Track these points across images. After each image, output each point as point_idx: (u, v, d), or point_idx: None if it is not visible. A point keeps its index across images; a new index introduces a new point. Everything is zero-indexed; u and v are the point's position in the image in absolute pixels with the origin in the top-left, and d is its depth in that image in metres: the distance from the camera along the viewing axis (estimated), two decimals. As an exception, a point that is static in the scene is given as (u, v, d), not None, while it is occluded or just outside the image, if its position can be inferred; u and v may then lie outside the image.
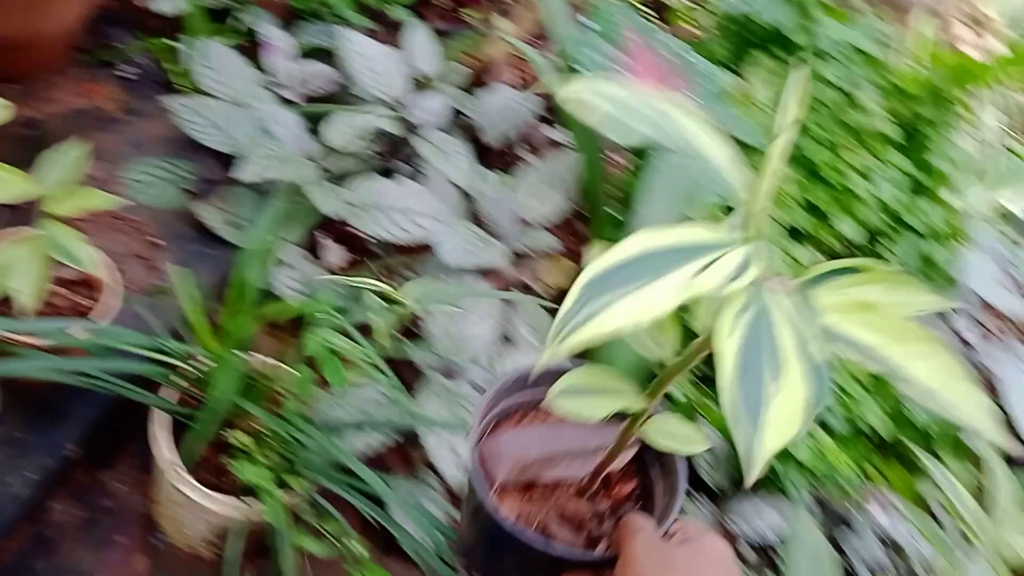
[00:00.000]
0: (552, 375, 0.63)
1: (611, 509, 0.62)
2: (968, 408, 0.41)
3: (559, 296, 1.40)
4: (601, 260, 0.42)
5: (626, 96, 0.52)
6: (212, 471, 0.98)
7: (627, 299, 0.41)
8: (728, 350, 0.41)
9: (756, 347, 0.41)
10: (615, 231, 1.25)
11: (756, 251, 0.44)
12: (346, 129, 1.25)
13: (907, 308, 0.48)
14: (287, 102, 1.31)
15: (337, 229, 1.33)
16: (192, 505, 0.96)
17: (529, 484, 0.63)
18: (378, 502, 1.00)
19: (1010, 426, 1.16)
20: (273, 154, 1.16)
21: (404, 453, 1.10)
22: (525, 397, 0.67)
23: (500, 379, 0.65)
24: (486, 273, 1.24)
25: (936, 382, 0.41)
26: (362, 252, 1.31)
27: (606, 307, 0.41)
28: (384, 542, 1.09)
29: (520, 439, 0.65)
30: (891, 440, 1.02)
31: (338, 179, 1.23)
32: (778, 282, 0.44)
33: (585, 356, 0.52)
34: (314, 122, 1.29)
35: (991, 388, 1.19)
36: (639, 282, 0.41)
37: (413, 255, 1.29)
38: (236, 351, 0.96)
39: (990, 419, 0.41)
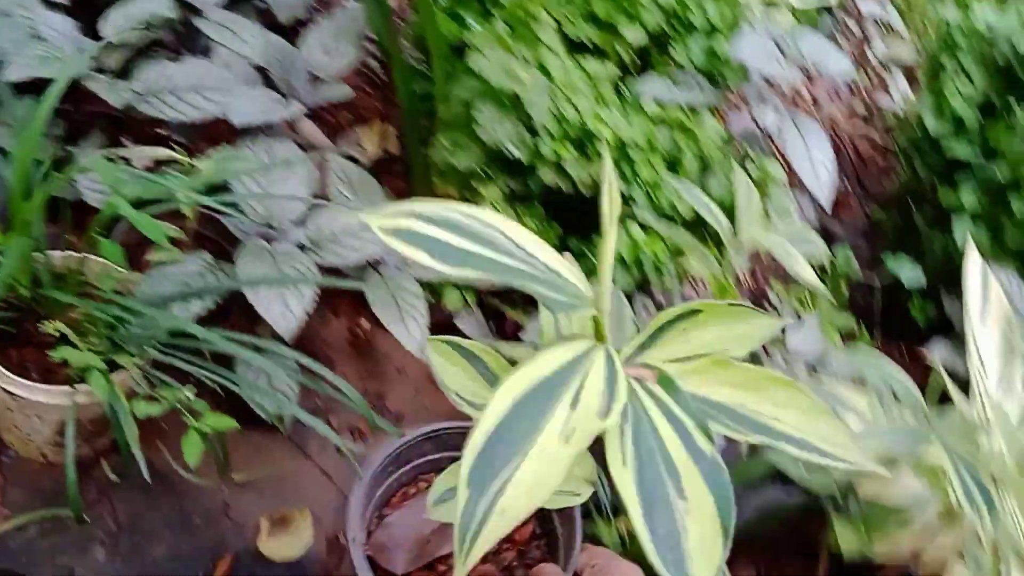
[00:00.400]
0: (424, 443, 0.62)
1: (518, 556, 0.61)
2: (837, 447, 0.42)
3: (381, 160, 1.42)
4: (476, 434, 0.37)
5: (454, 218, 0.45)
6: (41, 371, 0.97)
7: (519, 473, 0.36)
8: (627, 482, 0.38)
9: (651, 465, 0.38)
10: (418, 80, 1.27)
11: (611, 355, 0.42)
12: (123, 21, 1.21)
13: (750, 338, 0.48)
14: (55, 5, 1.25)
15: (140, 131, 1.30)
16: (25, 405, 0.95)
17: (431, 563, 0.61)
18: (226, 367, 1.01)
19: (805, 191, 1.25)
20: (44, 54, 1.12)
21: (238, 321, 1.11)
22: (401, 474, 0.64)
23: (368, 471, 0.61)
24: (303, 148, 1.24)
25: (803, 429, 0.41)
26: (166, 146, 1.28)
27: (500, 494, 0.36)
28: (236, 413, 1.11)
29: (408, 519, 0.63)
30: (693, 219, 1.09)
31: (123, 72, 1.19)
32: (640, 372, 0.42)
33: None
34: (89, 22, 1.24)
35: (785, 161, 1.27)
36: (521, 446, 0.37)
37: (215, 139, 1.28)
38: (34, 249, 0.94)
39: (857, 451, 0.42)
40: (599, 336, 0.43)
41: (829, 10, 1.76)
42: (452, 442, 0.66)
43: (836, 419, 0.43)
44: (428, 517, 0.54)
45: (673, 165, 1.14)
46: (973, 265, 1.00)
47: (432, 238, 0.44)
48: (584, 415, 0.38)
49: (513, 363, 0.56)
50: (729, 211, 1.16)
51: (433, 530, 0.61)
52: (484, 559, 0.57)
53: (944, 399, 0.90)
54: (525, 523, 0.62)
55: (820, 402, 0.42)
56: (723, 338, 0.47)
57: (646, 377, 0.42)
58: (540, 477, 0.36)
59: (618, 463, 0.38)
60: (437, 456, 0.67)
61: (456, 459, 0.63)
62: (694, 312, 0.47)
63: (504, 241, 0.46)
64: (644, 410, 0.40)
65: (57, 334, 0.93)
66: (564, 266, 0.46)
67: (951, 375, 0.87)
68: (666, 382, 0.42)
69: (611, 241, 0.46)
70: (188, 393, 0.89)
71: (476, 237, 0.45)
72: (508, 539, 0.62)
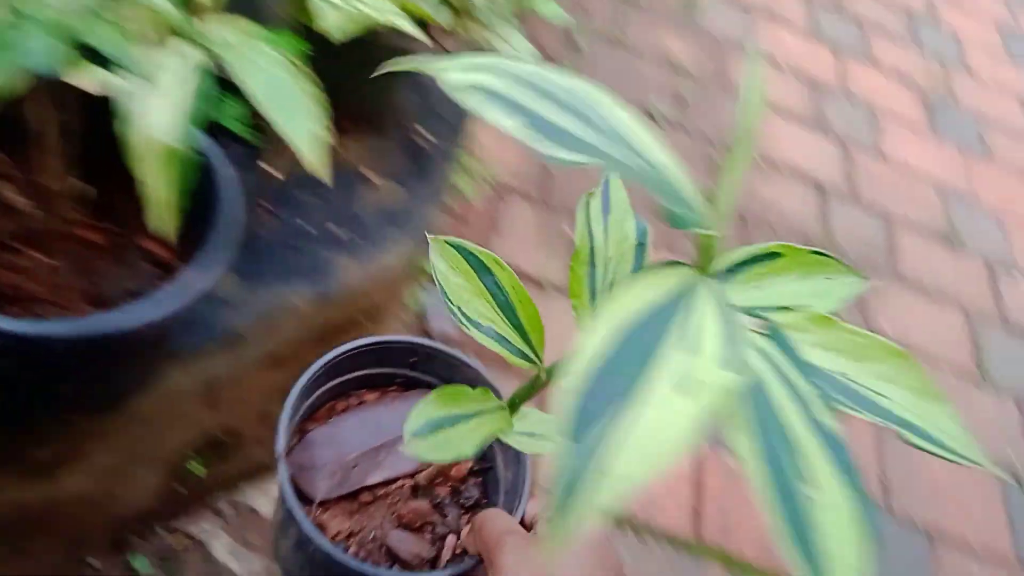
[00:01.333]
0: (363, 355, 0.54)
1: (451, 494, 0.55)
2: (955, 440, 0.34)
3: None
4: (577, 365, 0.28)
5: (540, 79, 0.36)
6: None
7: (632, 428, 0.27)
8: (749, 454, 0.29)
9: (765, 438, 0.29)
10: None
11: (721, 290, 0.32)
12: None
13: (831, 296, 0.41)
14: None
15: None
16: None
17: (356, 492, 0.53)
18: None
19: None
20: None
21: None
22: (333, 385, 0.56)
23: (303, 378, 0.53)
24: None
25: (913, 412, 0.35)
26: None
27: (610, 448, 0.26)
28: None
29: (333, 438, 0.55)
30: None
31: None
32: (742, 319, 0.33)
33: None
34: None
35: None
36: (627, 389, 0.27)
37: None
38: None
39: (973, 449, 0.35)
40: (705, 266, 0.35)
41: None
42: (393, 358, 0.58)
43: (948, 403, 0.36)
44: (405, 451, 0.45)
45: None
46: None
47: (521, 105, 0.35)
48: (704, 364, 0.29)
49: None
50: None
51: (361, 453, 0.54)
52: (415, 491, 0.55)
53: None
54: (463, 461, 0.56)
55: (931, 382, 0.36)
56: (801, 292, 0.41)
57: (753, 323, 0.35)
58: (657, 437, 0.27)
59: (740, 429, 0.30)
60: (375, 371, 0.58)
61: (399, 377, 0.59)
62: (773, 255, 0.41)
63: (610, 125, 0.37)
64: (758, 375, 0.32)
65: None
66: (679, 169, 0.37)
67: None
68: (778, 338, 0.34)
69: (744, 154, 0.36)
70: None
71: (575, 112, 0.36)
72: (443, 473, 0.56)
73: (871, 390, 0.35)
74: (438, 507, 0.55)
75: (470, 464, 0.57)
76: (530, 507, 0.51)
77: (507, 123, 0.34)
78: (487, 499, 0.56)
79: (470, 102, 0.35)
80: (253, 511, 1.30)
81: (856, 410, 0.34)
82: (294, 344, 1.09)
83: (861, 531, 0.29)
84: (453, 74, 0.35)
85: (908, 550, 1.80)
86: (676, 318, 0.30)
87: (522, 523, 0.50)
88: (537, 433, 0.50)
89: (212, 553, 1.23)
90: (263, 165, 1.13)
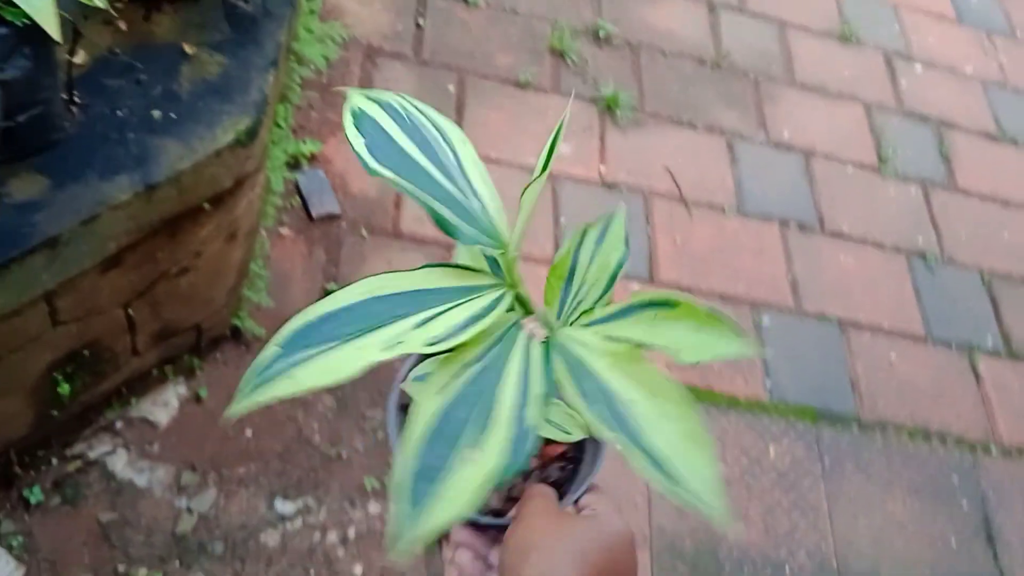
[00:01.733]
0: None
1: (539, 468, 0.61)
2: (696, 483, 0.39)
3: None
4: (316, 306, 0.39)
5: (400, 106, 0.47)
6: None
7: (328, 355, 0.38)
8: (425, 411, 0.38)
9: (469, 408, 0.38)
10: None
11: (505, 298, 0.42)
12: None
13: (707, 351, 0.46)
14: None
15: None
16: None
17: None
18: None
19: None
20: None
21: None
22: None
23: None
24: None
25: (673, 449, 0.39)
26: None
27: (305, 362, 0.38)
28: None
29: None
30: None
31: None
32: (532, 327, 0.41)
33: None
34: None
35: None
36: (348, 335, 0.38)
37: None
38: None
39: (716, 496, 0.39)
40: (510, 280, 0.44)
41: None
42: None
43: (715, 459, 0.40)
44: (400, 387, 0.56)
45: None
46: None
47: (380, 128, 0.44)
48: (416, 337, 0.38)
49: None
50: None
51: None
52: None
53: None
54: (558, 444, 0.61)
55: (707, 436, 0.40)
56: (683, 340, 0.46)
57: (535, 334, 0.41)
58: (339, 366, 0.37)
59: (434, 388, 0.38)
60: None
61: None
62: (672, 304, 0.47)
63: (445, 154, 0.46)
64: (505, 359, 0.40)
65: None
66: (492, 199, 0.46)
67: None
68: (547, 347, 0.41)
69: (537, 186, 0.43)
70: None
71: (420, 140, 0.46)
72: (539, 451, 0.62)
73: (647, 425, 0.40)
74: (523, 474, 0.61)
75: (563, 450, 0.62)
76: (584, 499, 0.56)
77: (356, 141, 0.43)
78: (565, 483, 0.61)
79: (344, 120, 0.43)
80: (148, 422, 1.26)
81: (608, 429, 0.40)
82: (132, 241, 1.02)
83: (481, 489, 0.36)
84: (356, 98, 0.44)
85: (822, 341, 1.83)
86: (437, 304, 0.39)
87: (576, 505, 0.56)
88: (558, 423, 0.56)
89: (112, 470, 1.19)
90: (66, 56, 1.02)
